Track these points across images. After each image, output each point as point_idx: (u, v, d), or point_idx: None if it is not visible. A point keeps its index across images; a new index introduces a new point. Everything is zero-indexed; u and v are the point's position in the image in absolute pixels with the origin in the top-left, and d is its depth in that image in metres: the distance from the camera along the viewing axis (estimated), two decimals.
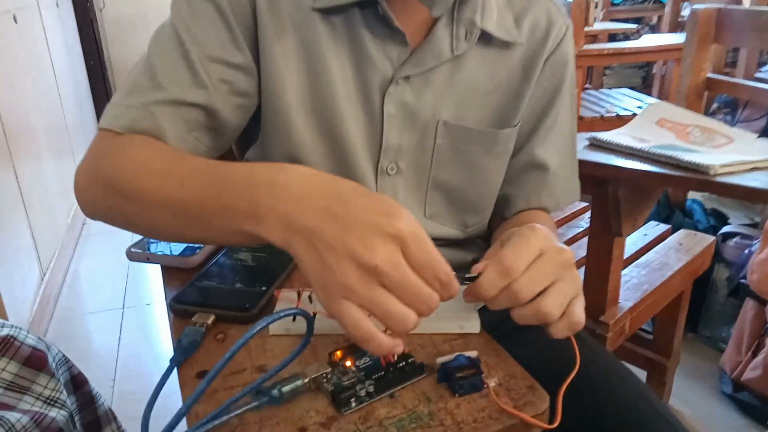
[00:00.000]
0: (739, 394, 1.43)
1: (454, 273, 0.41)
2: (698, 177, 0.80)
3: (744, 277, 1.47)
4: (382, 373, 0.45)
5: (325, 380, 0.45)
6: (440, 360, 0.47)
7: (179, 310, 0.55)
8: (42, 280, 1.93)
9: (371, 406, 0.44)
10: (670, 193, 1.77)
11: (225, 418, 0.41)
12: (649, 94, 2.85)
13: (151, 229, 0.53)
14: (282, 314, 0.39)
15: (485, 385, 0.45)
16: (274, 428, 0.42)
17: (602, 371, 0.62)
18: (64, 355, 0.88)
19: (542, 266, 0.45)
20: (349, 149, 0.65)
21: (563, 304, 0.46)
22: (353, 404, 0.43)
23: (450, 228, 0.73)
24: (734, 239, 1.57)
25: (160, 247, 0.65)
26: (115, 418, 0.90)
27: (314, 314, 0.52)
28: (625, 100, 2.31)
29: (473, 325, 0.52)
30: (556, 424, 0.43)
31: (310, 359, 0.49)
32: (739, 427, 1.39)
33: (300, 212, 0.40)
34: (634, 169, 0.84)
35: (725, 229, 1.63)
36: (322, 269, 0.39)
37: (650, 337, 1.40)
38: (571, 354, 0.49)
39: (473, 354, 0.46)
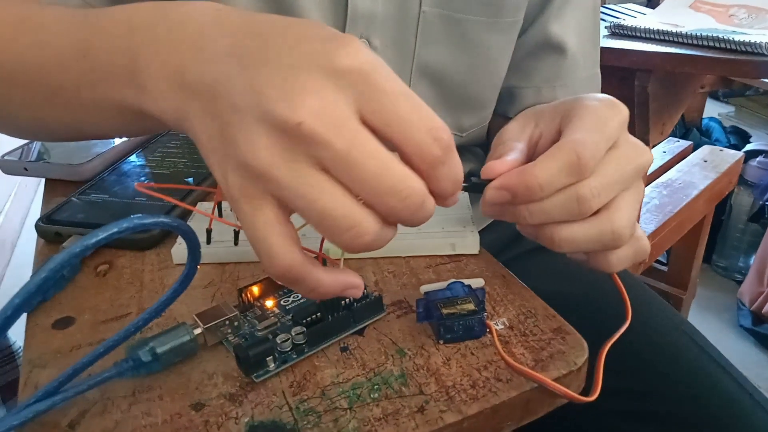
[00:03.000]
0: (760, 328, 1.31)
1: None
2: (755, 59, 0.63)
3: None
4: (319, 314, 0.29)
5: (230, 331, 0.29)
6: (425, 288, 0.30)
7: (48, 232, 0.38)
8: None
9: (313, 366, 0.28)
10: (685, 110, 1.60)
11: (70, 392, 0.25)
12: None
13: None
14: (127, 225, 0.22)
15: (487, 330, 0.29)
16: (154, 405, 0.26)
17: (650, 313, 0.46)
18: None
19: (617, 165, 0.29)
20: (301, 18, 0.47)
21: (634, 223, 0.30)
22: (271, 366, 0.27)
23: None
24: (758, 158, 1.40)
25: (45, 153, 0.48)
26: None
27: (222, 230, 0.36)
28: (632, 14, 2.10)
29: (470, 243, 0.36)
30: (594, 398, 0.27)
31: (226, 297, 0.33)
32: (760, 362, 1.28)
33: (198, 62, 0.23)
34: (672, 54, 0.66)
35: (748, 147, 1.46)
36: (222, 147, 0.22)
37: (664, 268, 1.27)
38: (611, 287, 0.33)
39: (478, 283, 0.30)
